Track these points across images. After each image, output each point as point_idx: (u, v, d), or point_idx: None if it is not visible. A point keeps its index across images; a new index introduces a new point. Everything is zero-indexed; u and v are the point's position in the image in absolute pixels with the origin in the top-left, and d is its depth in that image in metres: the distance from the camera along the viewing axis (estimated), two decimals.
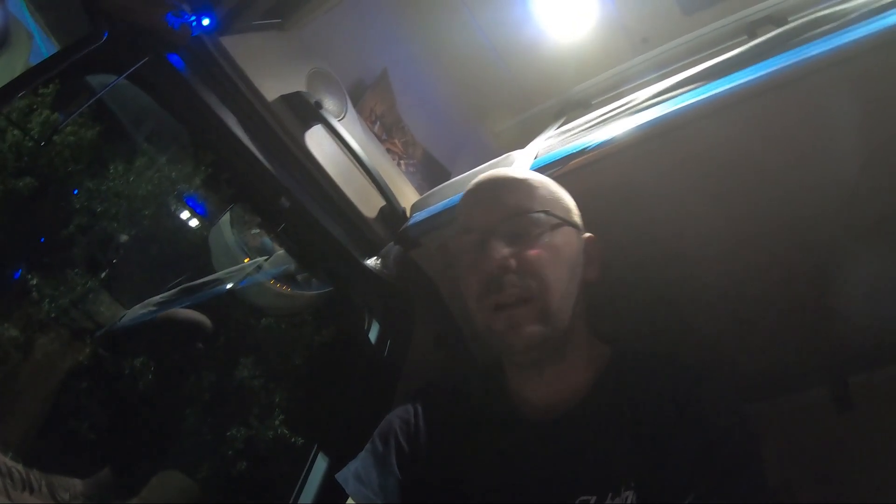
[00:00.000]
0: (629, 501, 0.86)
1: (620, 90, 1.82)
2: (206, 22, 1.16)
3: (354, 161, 1.39)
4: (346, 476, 1.04)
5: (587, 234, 1.04)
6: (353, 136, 1.38)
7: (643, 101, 1.20)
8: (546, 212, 0.97)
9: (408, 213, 1.46)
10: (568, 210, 1.03)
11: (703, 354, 1.19)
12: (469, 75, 1.85)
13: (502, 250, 0.94)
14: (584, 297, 1.02)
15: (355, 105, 1.53)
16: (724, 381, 0.94)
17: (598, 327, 1.07)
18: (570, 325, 0.97)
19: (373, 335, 1.50)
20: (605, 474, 0.89)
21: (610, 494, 0.87)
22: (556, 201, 1.02)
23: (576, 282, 0.99)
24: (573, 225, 1.01)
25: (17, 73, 1.05)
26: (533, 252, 0.94)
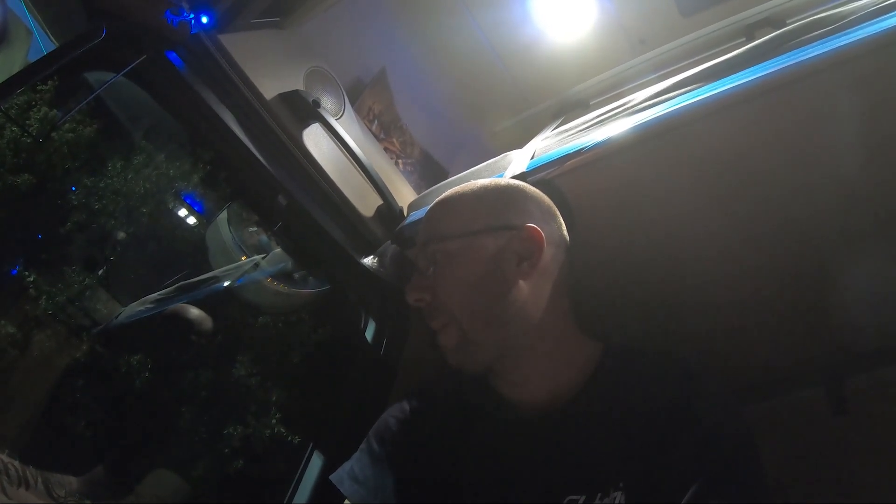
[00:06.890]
0: (618, 502, 0.86)
1: (618, 91, 1.82)
2: (204, 20, 1.16)
3: (352, 160, 1.39)
4: (341, 476, 1.03)
5: (528, 225, 0.98)
6: (351, 135, 1.38)
7: (641, 102, 1.20)
8: (450, 236, 0.99)
9: (405, 212, 1.46)
10: (486, 216, 1.00)
11: (699, 354, 1.20)
12: (467, 75, 1.85)
13: (413, 293, 1.00)
14: (538, 292, 0.98)
15: (353, 104, 1.53)
16: (719, 380, 0.94)
17: (592, 327, 1.06)
18: (515, 329, 0.97)
19: (369, 334, 1.50)
20: (594, 474, 0.89)
21: (599, 494, 0.87)
22: (466, 215, 1.01)
23: (500, 286, 0.96)
24: (493, 229, 0.98)
25: (16, 69, 1.06)
26: (438, 282, 0.98)
